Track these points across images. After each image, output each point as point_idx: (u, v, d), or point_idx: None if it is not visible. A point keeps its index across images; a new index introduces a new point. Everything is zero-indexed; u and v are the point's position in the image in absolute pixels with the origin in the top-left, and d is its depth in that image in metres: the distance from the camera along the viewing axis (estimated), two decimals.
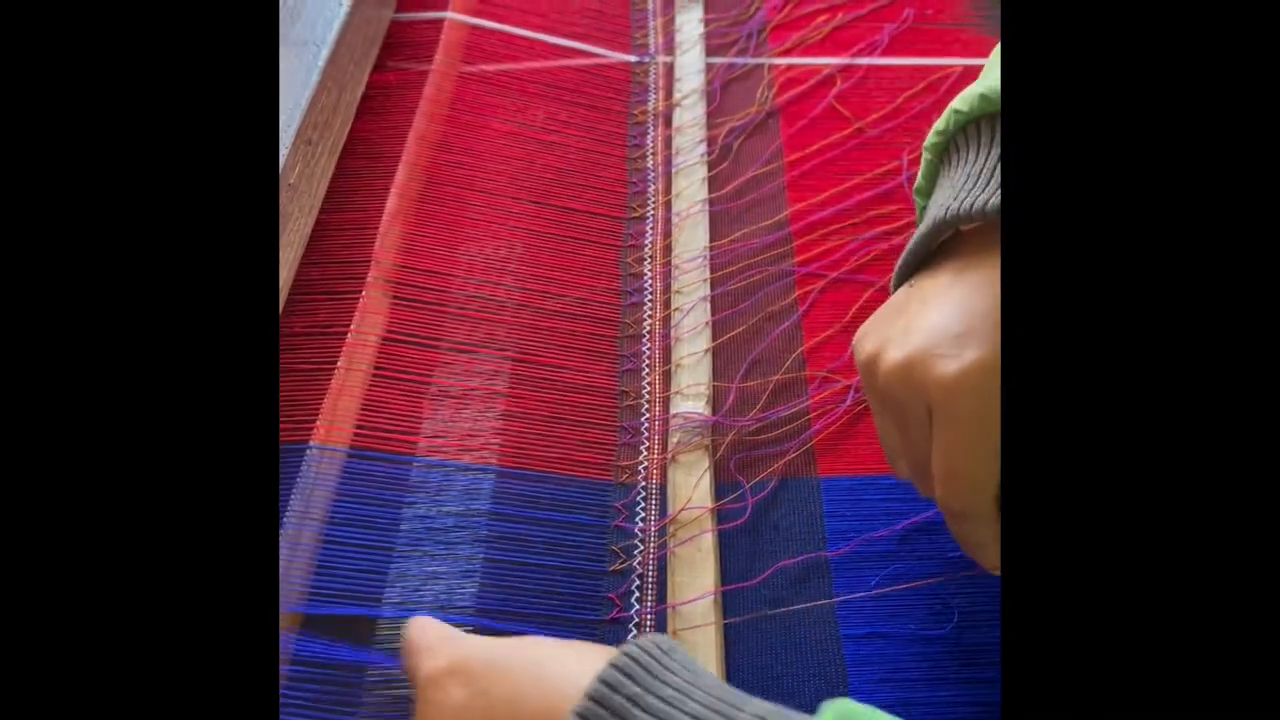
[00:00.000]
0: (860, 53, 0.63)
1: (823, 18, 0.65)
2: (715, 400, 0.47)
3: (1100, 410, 0.25)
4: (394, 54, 0.61)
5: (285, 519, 0.41)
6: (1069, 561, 0.25)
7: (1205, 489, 0.24)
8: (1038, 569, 0.25)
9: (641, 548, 0.42)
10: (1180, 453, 0.24)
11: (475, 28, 0.63)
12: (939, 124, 0.38)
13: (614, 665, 0.30)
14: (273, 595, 0.28)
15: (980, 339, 0.33)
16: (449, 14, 0.63)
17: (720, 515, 0.43)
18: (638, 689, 0.29)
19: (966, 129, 0.38)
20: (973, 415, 0.33)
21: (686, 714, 0.28)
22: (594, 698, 0.29)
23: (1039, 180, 0.27)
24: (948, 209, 0.36)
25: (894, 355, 0.34)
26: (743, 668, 0.39)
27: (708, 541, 0.42)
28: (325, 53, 0.53)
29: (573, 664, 0.31)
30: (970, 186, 0.36)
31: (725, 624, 0.40)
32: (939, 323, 0.34)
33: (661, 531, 0.43)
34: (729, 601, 0.41)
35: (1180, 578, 0.24)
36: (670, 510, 0.43)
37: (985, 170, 0.36)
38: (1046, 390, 0.26)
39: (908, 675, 0.39)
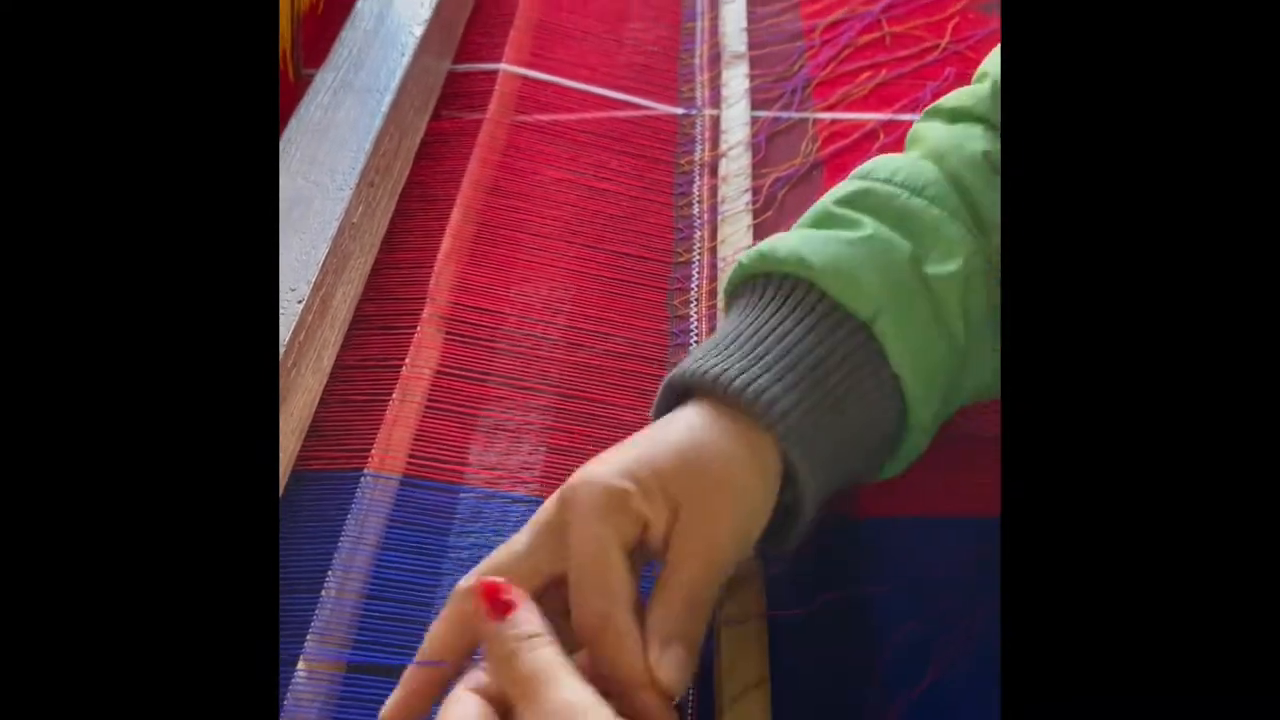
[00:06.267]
0: (903, 109, 0.64)
1: (866, 75, 0.67)
2: None
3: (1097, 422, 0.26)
4: (451, 103, 0.63)
5: (340, 543, 0.42)
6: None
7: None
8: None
9: None
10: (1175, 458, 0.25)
11: (528, 79, 0.66)
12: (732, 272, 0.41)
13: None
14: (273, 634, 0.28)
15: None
16: (503, 66, 0.65)
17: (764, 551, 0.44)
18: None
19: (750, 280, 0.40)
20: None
21: None
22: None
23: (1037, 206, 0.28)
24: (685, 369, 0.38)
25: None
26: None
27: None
28: (388, 100, 0.55)
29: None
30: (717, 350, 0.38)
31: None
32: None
33: None
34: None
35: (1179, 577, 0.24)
36: None
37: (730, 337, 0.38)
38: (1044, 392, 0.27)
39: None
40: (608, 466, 0.35)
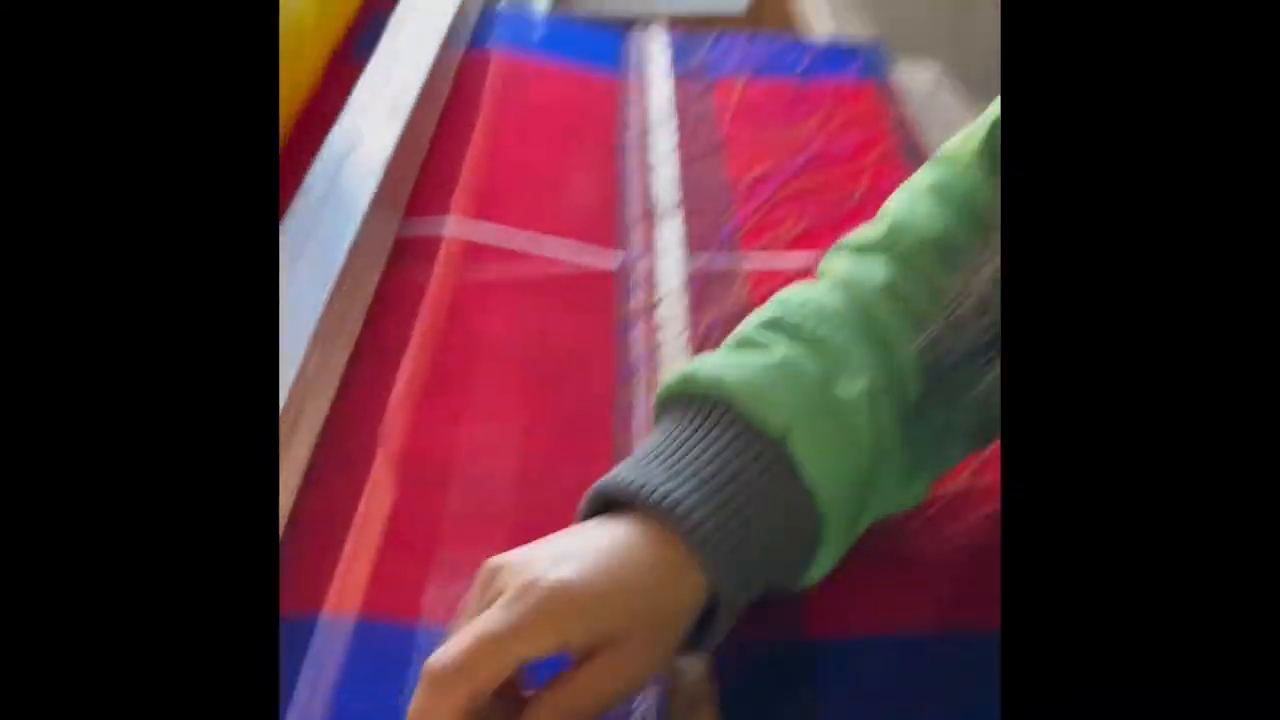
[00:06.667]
0: (825, 251, 0.68)
1: (791, 222, 0.72)
2: None
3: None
4: (400, 261, 0.66)
5: (297, 689, 0.43)
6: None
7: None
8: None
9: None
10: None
11: (473, 239, 0.69)
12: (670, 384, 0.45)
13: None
14: None
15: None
16: (450, 222, 0.69)
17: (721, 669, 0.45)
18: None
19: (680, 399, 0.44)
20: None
21: None
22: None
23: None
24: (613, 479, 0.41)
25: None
26: None
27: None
28: (340, 260, 0.58)
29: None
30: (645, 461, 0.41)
31: None
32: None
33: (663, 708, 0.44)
34: None
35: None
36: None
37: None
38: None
39: None
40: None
